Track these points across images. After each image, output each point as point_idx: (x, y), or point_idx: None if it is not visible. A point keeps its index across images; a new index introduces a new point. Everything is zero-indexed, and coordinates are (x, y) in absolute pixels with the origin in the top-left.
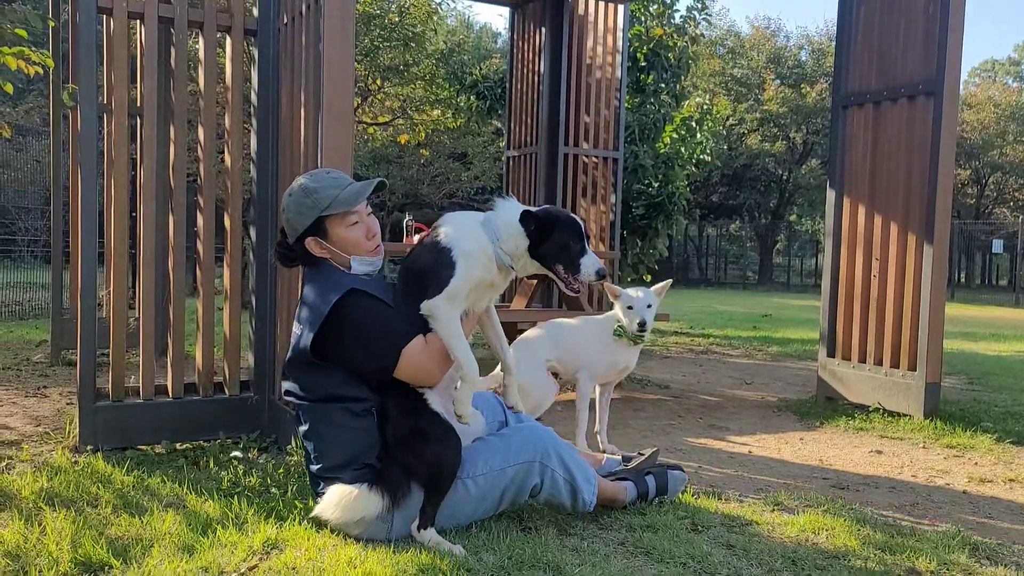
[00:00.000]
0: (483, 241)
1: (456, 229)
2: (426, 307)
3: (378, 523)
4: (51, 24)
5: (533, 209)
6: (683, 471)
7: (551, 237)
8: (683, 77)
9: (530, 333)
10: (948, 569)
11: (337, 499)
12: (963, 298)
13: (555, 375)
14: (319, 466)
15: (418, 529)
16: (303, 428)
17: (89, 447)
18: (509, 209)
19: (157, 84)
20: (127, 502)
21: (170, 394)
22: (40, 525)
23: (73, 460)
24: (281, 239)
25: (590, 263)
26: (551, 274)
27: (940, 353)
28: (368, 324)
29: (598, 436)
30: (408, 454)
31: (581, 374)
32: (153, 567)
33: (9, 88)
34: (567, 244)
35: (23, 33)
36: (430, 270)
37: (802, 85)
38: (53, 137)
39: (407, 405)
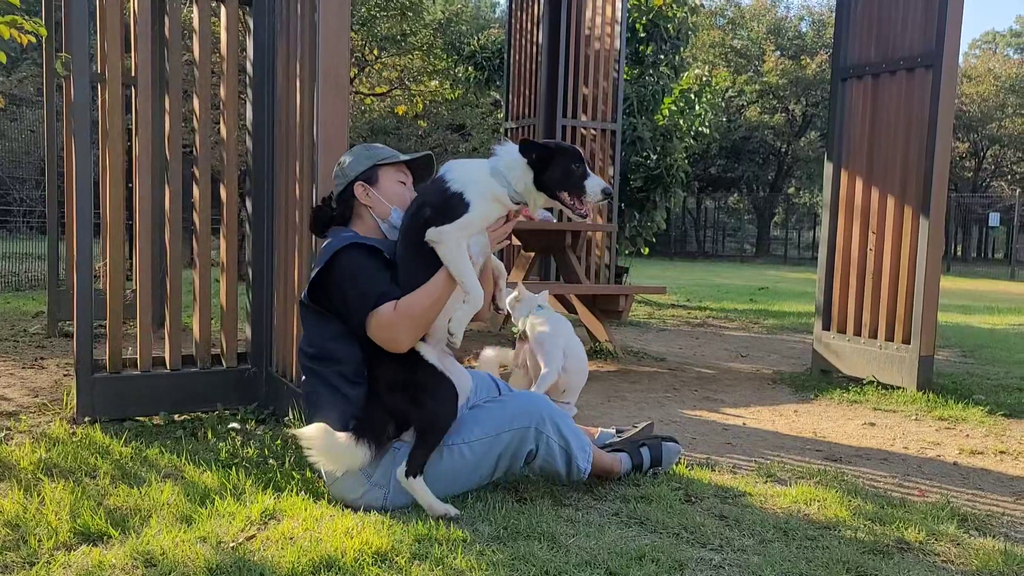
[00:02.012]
0: (494, 186)
1: (465, 175)
2: (434, 233)
3: (374, 490)
4: None
5: (532, 141)
6: (677, 443)
7: (553, 163)
8: (682, 48)
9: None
10: (936, 539)
11: (321, 442)
12: (959, 271)
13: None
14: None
15: (405, 475)
16: (307, 390)
17: (87, 418)
18: (509, 150)
19: (151, 54)
20: (125, 473)
21: (168, 366)
22: (39, 495)
23: (71, 431)
24: (324, 199)
25: (595, 184)
26: (559, 203)
27: (934, 326)
28: (352, 278)
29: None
30: (405, 402)
31: None
32: (152, 537)
33: (2, 58)
34: (569, 169)
35: (16, 1)
36: (439, 208)
37: (802, 57)
38: (47, 106)
39: (402, 357)
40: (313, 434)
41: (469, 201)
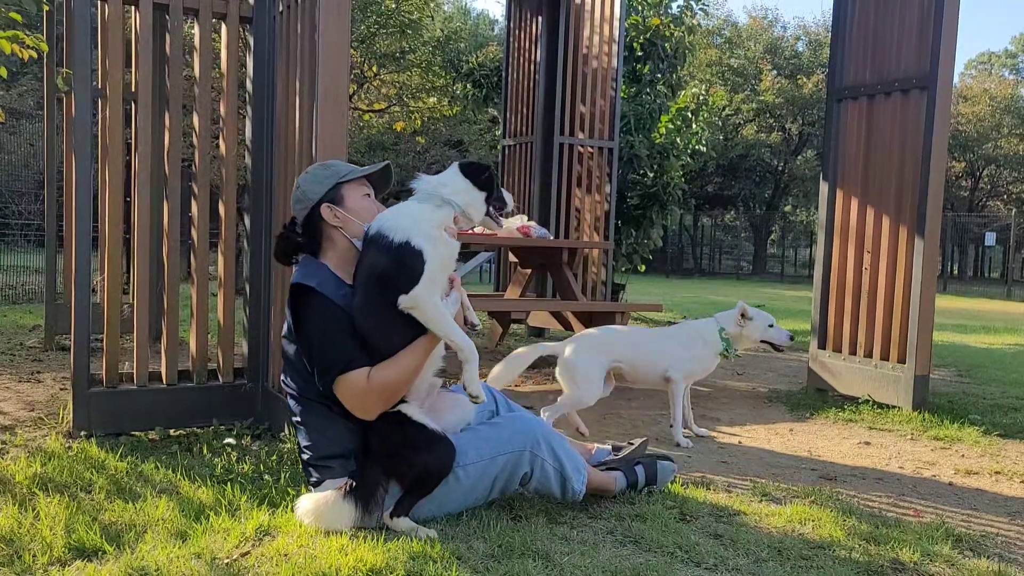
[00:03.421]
0: (430, 214)
1: (400, 220)
2: (407, 300)
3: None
4: (45, 8)
5: (466, 163)
6: (672, 461)
7: (494, 182)
8: (679, 67)
9: (597, 332)
10: (931, 560)
11: (312, 508)
12: (955, 290)
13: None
14: (309, 455)
15: (391, 517)
16: (295, 418)
17: (83, 433)
18: (439, 180)
19: (152, 70)
20: (120, 488)
21: (164, 380)
22: (34, 510)
23: (67, 445)
24: (286, 226)
25: (507, 196)
26: (487, 219)
27: (930, 346)
28: (321, 334)
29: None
30: (399, 462)
31: (672, 373)
32: (146, 553)
33: (3, 72)
34: (498, 185)
35: (17, 17)
36: (394, 269)
37: (799, 76)
38: (47, 120)
39: (389, 420)
40: (309, 507)
41: (420, 249)
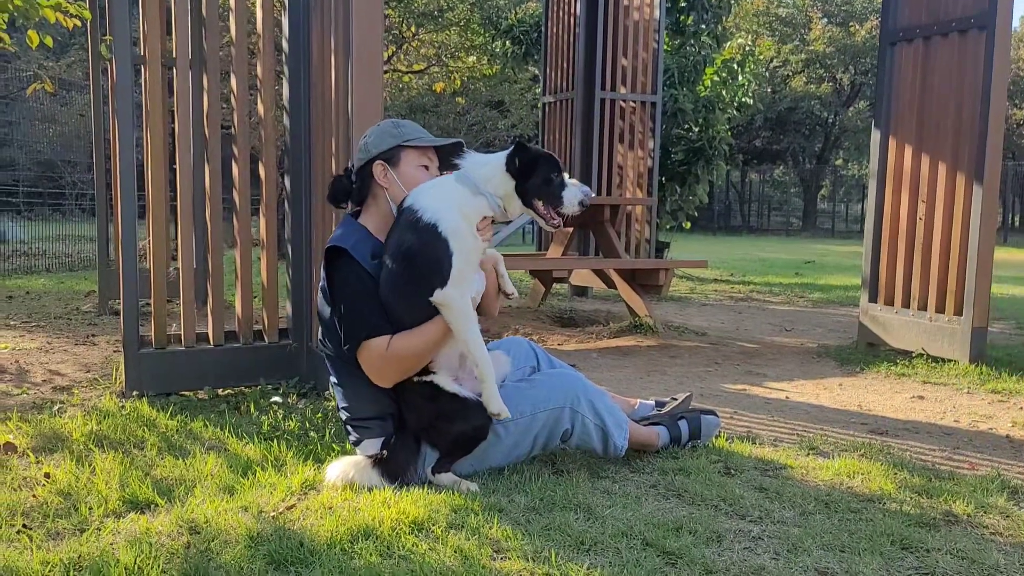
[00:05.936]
0: (464, 202)
1: (433, 201)
2: (439, 297)
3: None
4: None
5: (517, 148)
6: (717, 416)
7: (535, 173)
8: (724, 17)
9: None
10: (986, 512)
11: (340, 475)
12: (1016, 242)
13: None
14: (347, 415)
15: (433, 472)
16: (332, 378)
17: (135, 393)
18: (480, 160)
19: (189, 34)
20: (171, 445)
21: (211, 342)
22: (90, 466)
23: (120, 405)
24: (346, 169)
25: (572, 194)
26: (531, 212)
27: (988, 297)
28: (352, 298)
29: None
30: (435, 434)
31: None
32: (196, 506)
33: (49, 42)
34: (549, 178)
35: None
36: (420, 252)
37: (851, 23)
38: (94, 90)
39: (423, 391)
40: (338, 473)
41: (447, 238)
